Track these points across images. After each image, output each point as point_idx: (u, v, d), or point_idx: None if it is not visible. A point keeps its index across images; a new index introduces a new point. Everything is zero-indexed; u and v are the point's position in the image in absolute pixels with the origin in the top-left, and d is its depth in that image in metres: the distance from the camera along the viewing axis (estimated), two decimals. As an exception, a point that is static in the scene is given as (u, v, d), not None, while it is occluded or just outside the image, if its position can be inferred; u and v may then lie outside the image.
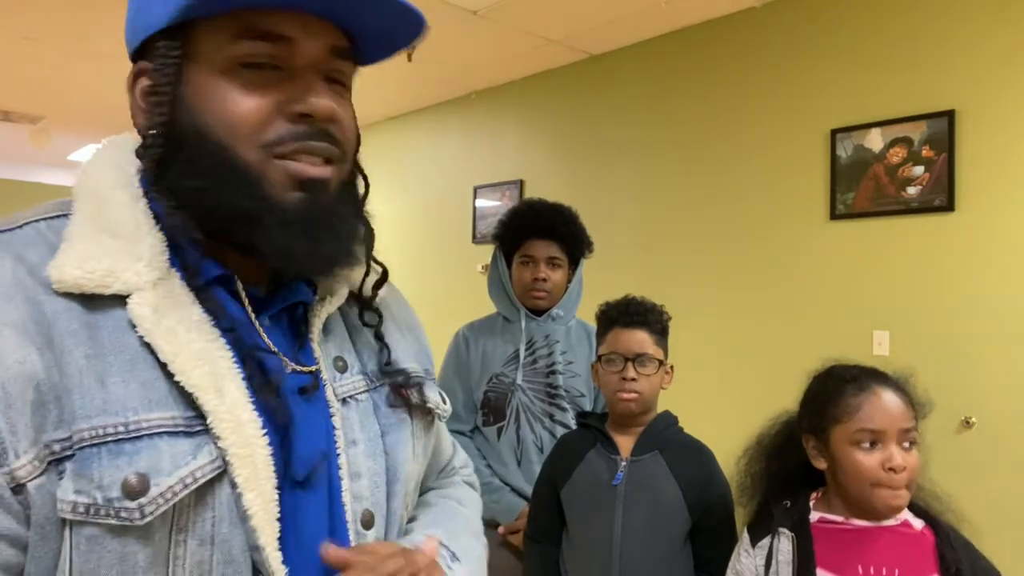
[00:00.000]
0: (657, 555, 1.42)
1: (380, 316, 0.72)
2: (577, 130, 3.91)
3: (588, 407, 1.87)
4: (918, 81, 2.66)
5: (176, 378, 0.55)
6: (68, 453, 0.51)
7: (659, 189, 3.50)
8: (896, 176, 2.69)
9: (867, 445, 1.14)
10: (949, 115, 2.56)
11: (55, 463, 0.51)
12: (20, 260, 0.56)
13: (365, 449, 0.65)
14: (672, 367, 1.56)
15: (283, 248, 0.59)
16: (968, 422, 2.48)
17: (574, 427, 1.74)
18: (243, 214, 0.59)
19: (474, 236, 4.43)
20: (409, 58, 3.81)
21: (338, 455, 0.63)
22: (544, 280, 1.87)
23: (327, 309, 0.69)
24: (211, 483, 0.54)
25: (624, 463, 1.48)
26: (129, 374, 0.54)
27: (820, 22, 2.94)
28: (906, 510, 1.18)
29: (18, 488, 0.51)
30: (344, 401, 0.66)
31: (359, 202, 0.70)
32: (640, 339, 1.49)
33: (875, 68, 2.78)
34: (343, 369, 0.67)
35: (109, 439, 0.52)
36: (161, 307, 0.57)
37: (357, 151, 0.69)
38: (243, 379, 0.59)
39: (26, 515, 0.51)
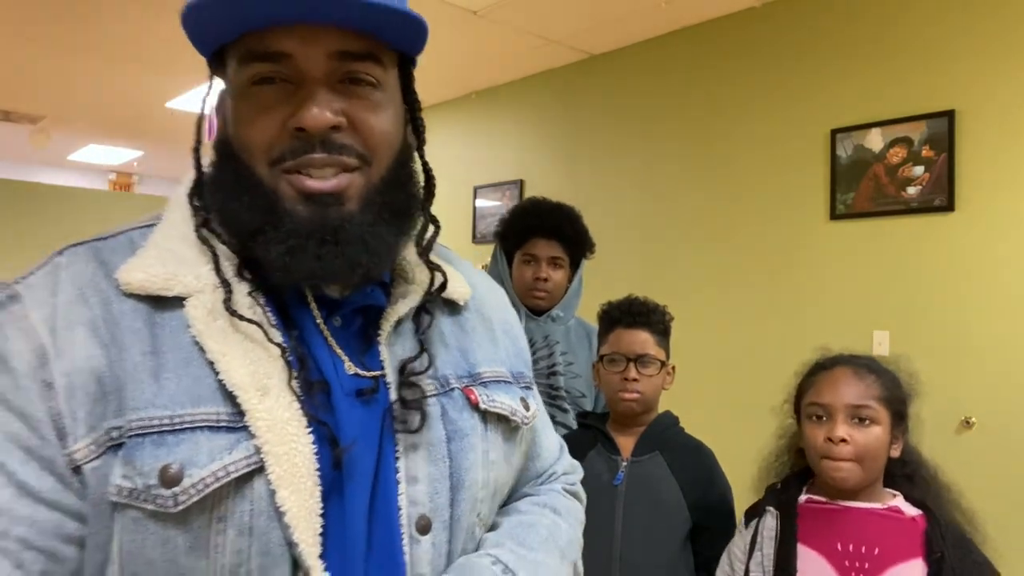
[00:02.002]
0: (658, 555, 1.43)
1: (430, 320, 0.70)
2: (577, 130, 3.91)
3: (589, 407, 1.87)
4: (918, 81, 2.67)
5: (220, 376, 0.58)
6: (121, 441, 0.56)
7: (659, 189, 3.51)
8: (896, 176, 2.70)
9: (816, 418, 1.22)
10: (949, 115, 2.56)
11: (112, 449, 0.56)
12: (103, 265, 0.62)
13: (425, 454, 0.64)
14: (674, 367, 1.56)
15: (281, 262, 0.60)
16: (968, 422, 2.49)
17: (575, 428, 1.74)
18: (253, 228, 0.61)
19: (474, 236, 4.43)
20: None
21: (396, 459, 0.63)
22: (545, 280, 1.86)
23: (397, 312, 0.68)
24: (249, 477, 0.56)
25: (625, 463, 1.48)
26: (183, 370, 0.58)
27: (820, 22, 2.95)
28: (899, 497, 1.21)
29: (76, 469, 0.56)
30: (407, 405, 0.64)
31: (406, 205, 0.67)
32: (642, 339, 1.50)
33: (875, 68, 2.78)
34: (411, 373, 0.65)
35: (154, 430, 0.55)
36: (216, 309, 0.60)
37: (409, 149, 0.68)
38: (295, 379, 0.60)
39: (84, 493, 0.56)
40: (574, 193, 3.72)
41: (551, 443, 0.87)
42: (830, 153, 2.88)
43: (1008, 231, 2.46)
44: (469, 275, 0.80)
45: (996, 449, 2.44)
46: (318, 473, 0.58)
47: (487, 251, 1.99)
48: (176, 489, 0.54)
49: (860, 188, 2.79)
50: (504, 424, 0.72)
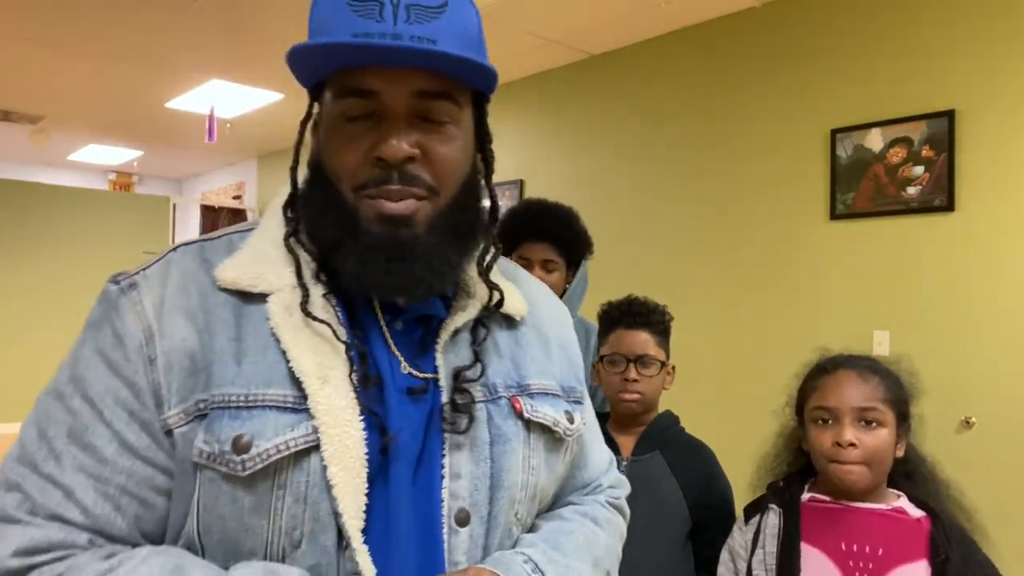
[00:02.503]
0: (658, 554, 1.43)
1: (486, 333, 0.77)
2: (577, 130, 3.91)
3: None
4: (918, 81, 2.67)
5: (290, 364, 0.66)
6: (206, 412, 0.65)
7: (659, 189, 3.51)
8: (896, 176, 2.70)
9: (822, 422, 1.21)
10: (949, 115, 2.57)
11: (198, 418, 0.65)
12: (205, 262, 0.72)
13: (469, 454, 0.71)
14: (674, 367, 1.56)
15: (357, 274, 0.69)
16: (968, 422, 2.49)
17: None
18: (334, 242, 0.70)
19: (474, 236, 4.44)
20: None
21: (443, 455, 0.70)
22: None
23: (455, 323, 0.75)
24: (307, 452, 0.65)
25: (625, 463, 1.48)
26: (260, 356, 0.67)
27: (820, 22, 2.95)
28: (903, 498, 1.21)
29: (168, 432, 0.65)
30: (457, 408, 0.71)
31: (470, 228, 0.74)
32: (642, 340, 1.50)
33: (875, 68, 2.78)
34: (464, 380, 0.72)
35: (232, 405, 0.65)
36: (293, 306, 0.69)
37: (476, 176, 0.76)
38: (354, 373, 0.68)
39: (173, 453, 0.65)
40: (574, 193, 3.72)
41: (600, 456, 0.93)
42: (830, 153, 2.88)
43: (1008, 231, 2.46)
44: (531, 292, 0.87)
45: (996, 449, 2.44)
46: (366, 455, 0.66)
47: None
48: (245, 456, 0.63)
49: (860, 188, 2.79)
50: (548, 434, 0.78)
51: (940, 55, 2.62)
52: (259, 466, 0.63)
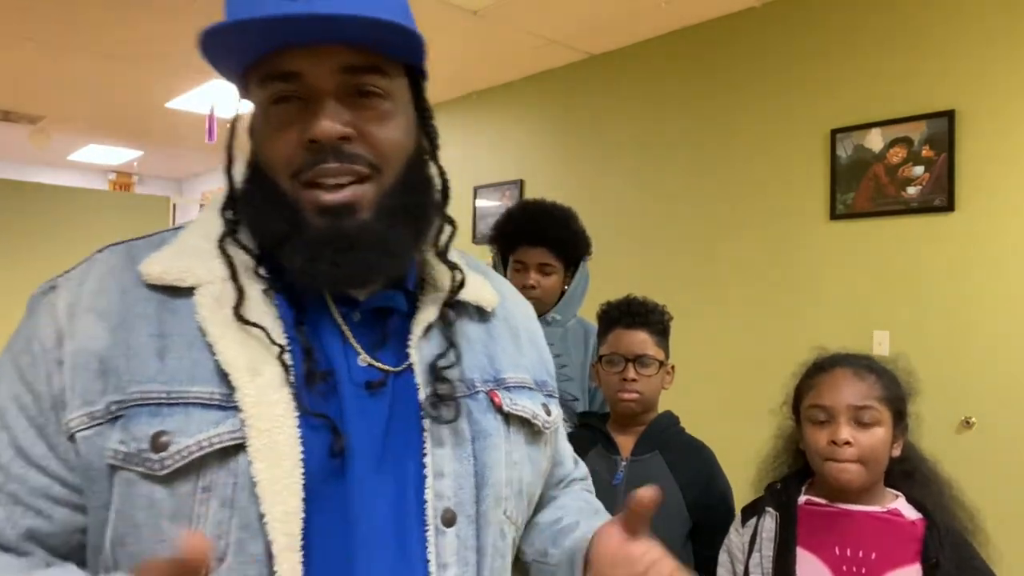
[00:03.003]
0: (658, 555, 1.42)
1: (454, 318, 0.74)
2: (577, 130, 3.91)
3: (581, 410, 1.85)
4: (918, 81, 2.66)
5: (216, 357, 0.62)
6: (120, 413, 0.61)
7: (659, 189, 3.51)
8: (896, 176, 2.70)
9: (818, 421, 1.21)
10: (949, 115, 2.56)
11: (112, 420, 0.61)
12: (131, 259, 0.68)
13: (452, 452, 0.68)
14: (673, 367, 1.56)
15: (304, 269, 0.65)
16: (968, 422, 2.49)
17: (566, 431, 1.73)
18: (279, 236, 0.66)
19: (474, 236, 4.43)
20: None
21: (424, 454, 0.67)
22: (533, 287, 1.81)
23: (427, 318, 0.72)
24: (234, 451, 0.60)
25: (624, 463, 1.48)
26: (185, 352, 0.63)
27: (820, 22, 2.95)
28: (901, 499, 1.20)
29: (71, 436, 0.62)
30: (441, 398, 0.68)
31: (421, 208, 0.71)
32: (641, 340, 1.50)
33: (875, 68, 2.78)
34: (441, 368, 0.70)
35: (151, 402, 0.61)
36: (224, 299, 0.65)
37: (422, 155, 0.72)
38: (291, 371, 0.64)
39: (75, 461, 0.62)
40: (574, 193, 3.71)
41: (568, 451, 0.94)
42: (830, 153, 2.88)
43: (1008, 231, 2.45)
44: (498, 286, 0.84)
45: (996, 449, 2.44)
46: (302, 454, 0.61)
47: (487, 251, 1.99)
48: (163, 454, 0.59)
49: (860, 188, 2.79)
50: (527, 428, 0.76)
51: (940, 55, 2.62)
52: (179, 464, 0.59)
